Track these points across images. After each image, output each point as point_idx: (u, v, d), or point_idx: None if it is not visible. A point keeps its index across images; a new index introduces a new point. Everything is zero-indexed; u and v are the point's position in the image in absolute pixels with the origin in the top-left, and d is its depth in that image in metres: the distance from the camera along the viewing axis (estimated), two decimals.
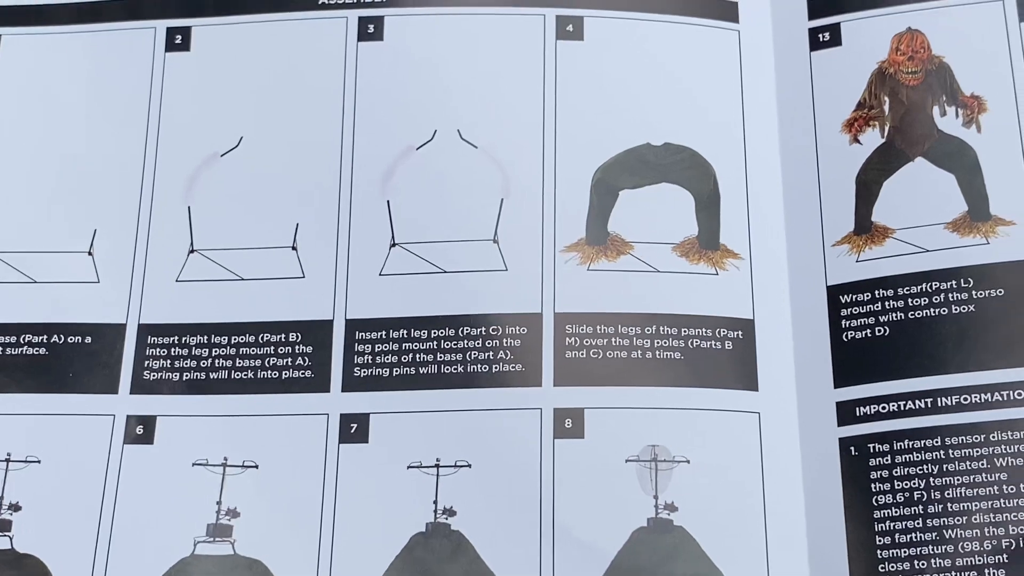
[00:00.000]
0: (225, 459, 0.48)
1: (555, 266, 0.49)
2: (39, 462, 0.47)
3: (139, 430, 0.48)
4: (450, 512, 0.46)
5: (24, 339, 0.50)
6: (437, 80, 0.53)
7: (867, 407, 0.46)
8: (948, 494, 0.44)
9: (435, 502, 0.46)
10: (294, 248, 0.51)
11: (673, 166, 0.51)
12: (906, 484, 0.45)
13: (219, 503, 0.47)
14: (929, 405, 0.46)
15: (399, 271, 0.50)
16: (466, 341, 0.48)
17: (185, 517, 0.47)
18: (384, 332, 0.49)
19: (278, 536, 0.47)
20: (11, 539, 0.46)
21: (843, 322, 0.48)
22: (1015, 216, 0.47)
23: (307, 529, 0.46)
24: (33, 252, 0.51)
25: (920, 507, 0.44)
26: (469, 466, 0.47)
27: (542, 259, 0.49)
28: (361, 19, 0.53)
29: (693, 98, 0.52)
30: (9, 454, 0.47)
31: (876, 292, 0.48)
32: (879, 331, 0.47)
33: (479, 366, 0.48)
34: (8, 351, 0.50)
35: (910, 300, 0.47)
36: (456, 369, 0.48)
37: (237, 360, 0.49)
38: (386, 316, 0.49)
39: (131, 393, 0.49)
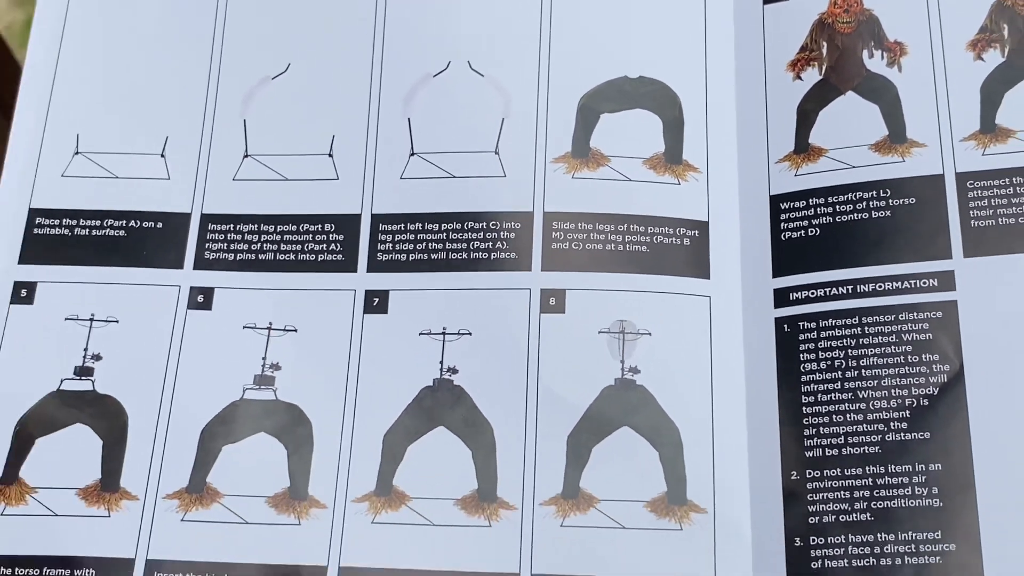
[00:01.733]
0: (270, 323, 0.50)
1: (545, 174, 0.51)
2: (117, 322, 0.50)
3: (200, 298, 0.50)
4: (453, 371, 0.49)
5: (107, 223, 0.52)
6: (452, 17, 0.54)
7: (799, 293, 0.48)
8: (863, 363, 0.46)
9: (441, 362, 0.49)
10: (330, 155, 0.53)
11: (646, 95, 0.53)
12: (828, 355, 0.47)
13: (264, 359, 0.49)
14: (850, 291, 0.48)
15: (417, 176, 0.52)
16: (470, 233, 0.51)
17: (236, 369, 0.49)
18: (403, 225, 0.51)
19: (312, 387, 0.49)
20: (92, 383, 0.49)
21: (782, 224, 0.50)
22: (927, 140, 0.49)
23: (336, 382, 0.49)
24: (116, 153, 0.53)
25: (839, 373, 0.47)
26: (470, 334, 0.49)
27: (535, 168, 0.51)
28: None
29: (665, 39, 0.53)
30: (92, 315, 0.50)
31: (810, 200, 0.50)
32: (811, 232, 0.49)
33: (480, 254, 0.50)
34: (94, 232, 0.52)
35: (838, 207, 0.49)
36: (461, 256, 0.50)
37: (281, 245, 0.51)
38: (405, 212, 0.51)
39: (194, 269, 0.51)
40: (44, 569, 0.46)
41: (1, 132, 0.54)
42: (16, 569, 0.46)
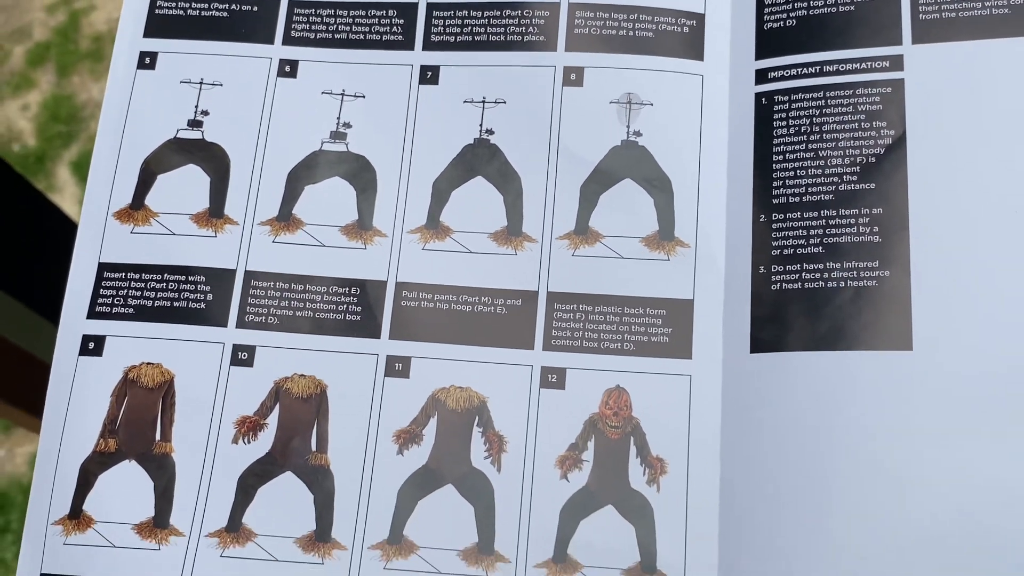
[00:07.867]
0: (343, 90, 0.52)
1: None
2: (222, 85, 0.52)
3: (287, 68, 0.52)
4: (490, 132, 0.50)
5: (213, 5, 0.53)
6: None
7: (776, 72, 0.50)
8: (824, 128, 0.48)
9: (480, 125, 0.51)
10: None
11: None
12: (797, 122, 0.49)
13: (338, 118, 0.51)
14: (818, 71, 0.49)
15: None
16: (507, 20, 0.52)
17: (316, 126, 0.51)
18: (452, 12, 0.52)
19: (376, 142, 0.51)
20: (202, 133, 0.51)
21: (765, 16, 0.51)
22: None
23: (396, 138, 0.51)
24: None
25: (805, 136, 0.48)
26: (505, 102, 0.51)
27: None
28: None
29: None
30: (202, 79, 0.52)
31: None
32: (789, 23, 0.50)
33: (515, 36, 0.51)
34: (203, 13, 0.53)
35: (811, 2, 0.50)
36: (499, 38, 0.51)
37: (353, 26, 0.52)
38: (454, 1, 0.52)
39: (283, 44, 0.52)
40: (164, 275, 0.50)
41: None
42: (143, 275, 0.50)
